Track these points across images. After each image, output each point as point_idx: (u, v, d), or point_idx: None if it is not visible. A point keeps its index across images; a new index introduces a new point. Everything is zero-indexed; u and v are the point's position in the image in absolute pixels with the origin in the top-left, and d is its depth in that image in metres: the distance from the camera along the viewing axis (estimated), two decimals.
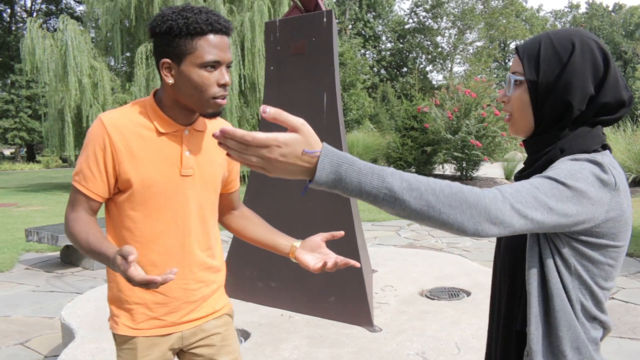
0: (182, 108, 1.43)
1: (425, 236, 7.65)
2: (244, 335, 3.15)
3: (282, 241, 1.55)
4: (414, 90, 29.86)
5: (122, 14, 14.92)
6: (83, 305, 3.74)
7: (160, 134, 1.42)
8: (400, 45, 40.16)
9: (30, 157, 35.69)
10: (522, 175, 1.08)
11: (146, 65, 14.01)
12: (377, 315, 3.43)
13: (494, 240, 6.89)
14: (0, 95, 33.14)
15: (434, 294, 3.92)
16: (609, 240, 0.97)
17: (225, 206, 1.70)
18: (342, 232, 1.37)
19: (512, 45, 44.13)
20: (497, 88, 16.29)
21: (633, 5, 50.13)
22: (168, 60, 1.36)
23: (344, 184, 0.82)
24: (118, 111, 1.43)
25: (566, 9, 56.55)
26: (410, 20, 40.57)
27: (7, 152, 42.53)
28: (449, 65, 40.36)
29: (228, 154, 0.83)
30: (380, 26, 40.78)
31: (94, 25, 17.05)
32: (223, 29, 1.36)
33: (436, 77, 57.06)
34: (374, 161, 16.75)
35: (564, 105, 1.01)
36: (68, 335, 3.33)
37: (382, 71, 40.56)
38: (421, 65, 40.77)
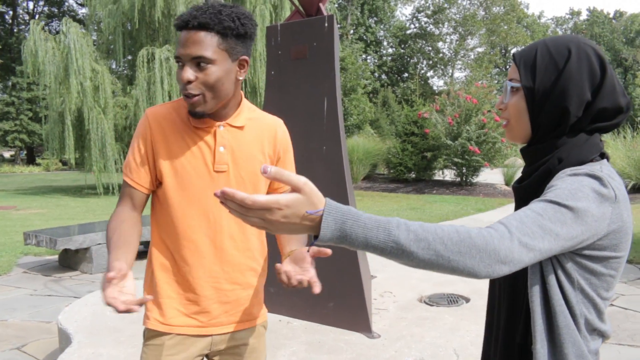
0: None
1: None
2: None
3: (290, 245, 1.50)
4: (414, 95, 29.91)
5: (125, 17, 14.97)
6: (80, 309, 3.72)
7: (194, 128, 1.42)
8: (402, 51, 40.25)
9: (30, 160, 35.75)
10: (520, 186, 1.07)
11: (147, 69, 14.02)
12: (375, 322, 3.42)
13: None
14: (1, 98, 33.20)
15: (433, 300, 3.90)
16: (611, 251, 0.96)
17: None
18: (329, 251, 1.29)
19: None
20: (497, 94, 16.33)
21: (634, 13, 50.34)
22: None
23: (350, 240, 0.81)
24: (163, 104, 1.46)
25: (567, 16, 56.87)
26: (412, 26, 40.68)
27: (7, 154, 42.57)
28: (450, 71, 40.46)
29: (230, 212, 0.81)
30: (381, 31, 40.88)
31: (96, 28, 17.10)
32: (196, 24, 1.29)
33: (437, 83, 57.29)
34: (374, 166, 16.75)
35: (560, 111, 1.00)
36: (65, 340, 3.32)
37: (383, 76, 40.61)
38: (422, 71, 40.86)
